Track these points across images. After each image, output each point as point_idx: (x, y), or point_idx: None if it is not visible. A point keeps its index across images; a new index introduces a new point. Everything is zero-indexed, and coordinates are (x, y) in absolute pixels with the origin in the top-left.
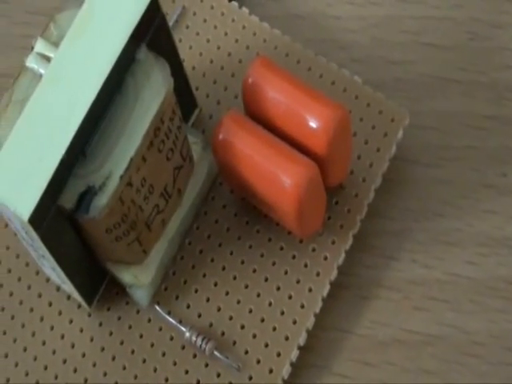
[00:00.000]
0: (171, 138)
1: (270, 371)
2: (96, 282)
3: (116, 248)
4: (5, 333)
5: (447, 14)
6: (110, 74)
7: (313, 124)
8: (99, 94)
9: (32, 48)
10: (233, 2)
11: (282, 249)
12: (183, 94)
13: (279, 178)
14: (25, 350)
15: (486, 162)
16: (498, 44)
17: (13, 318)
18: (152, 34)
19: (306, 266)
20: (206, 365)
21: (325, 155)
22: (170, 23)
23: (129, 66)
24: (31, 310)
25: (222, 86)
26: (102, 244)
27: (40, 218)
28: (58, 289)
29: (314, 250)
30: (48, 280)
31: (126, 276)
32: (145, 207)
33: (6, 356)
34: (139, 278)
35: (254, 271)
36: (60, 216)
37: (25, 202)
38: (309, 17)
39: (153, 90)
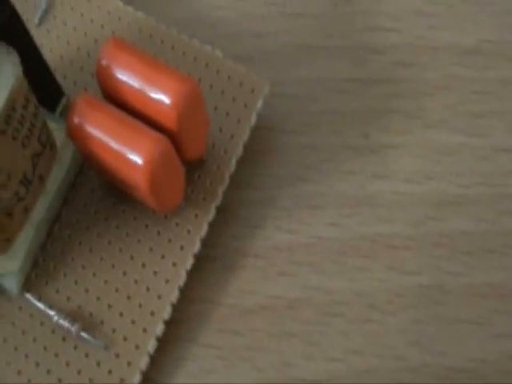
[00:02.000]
0: (26, 125)
1: (137, 347)
2: None
3: None
4: None
5: None
6: None
7: (162, 99)
8: None
9: None
10: None
11: (146, 226)
12: (46, 83)
13: (130, 155)
14: None
15: (347, 124)
16: (359, 8)
17: None
18: (1, 24)
19: (169, 241)
20: (75, 347)
21: (177, 129)
22: (39, 14)
23: None
24: None
25: (89, 73)
26: None
27: None
28: None
29: (177, 224)
30: None
31: None
32: (3, 195)
33: None
34: (6, 268)
35: (121, 250)
36: None
37: None
38: None
39: (1, 79)
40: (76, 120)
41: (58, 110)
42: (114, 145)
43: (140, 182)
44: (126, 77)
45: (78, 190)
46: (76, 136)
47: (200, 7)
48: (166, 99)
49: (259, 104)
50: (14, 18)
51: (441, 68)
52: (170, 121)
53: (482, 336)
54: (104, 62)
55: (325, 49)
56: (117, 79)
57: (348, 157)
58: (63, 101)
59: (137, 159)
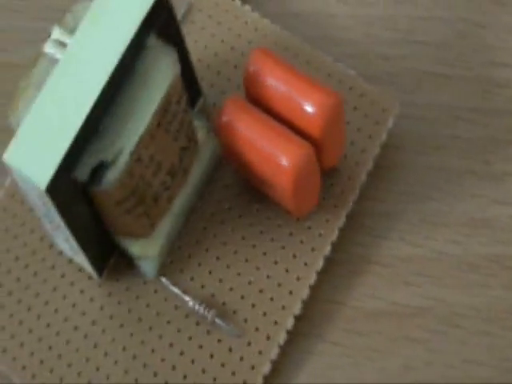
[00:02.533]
0: (178, 119)
1: (268, 338)
2: (106, 254)
3: (125, 221)
4: (19, 301)
5: (436, 13)
6: (121, 58)
7: (309, 109)
8: (111, 77)
9: (49, 35)
10: (236, 0)
11: (279, 226)
12: (189, 82)
13: (277, 157)
14: (38, 317)
15: (470, 150)
16: (482, 42)
17: (27, 288)
18: (161, 24)
19: (301, 242)
20: (208, 332)
21: (319, 138)
22: (178, 18)
23: (139, 52)
24: (44, 280)
25: (226, 77)
26: (112, 216)
27: (56, 188)
28: (70, 261)
29: (309, 227)
30: (61, 253)
31: (135, 248)
32: (153, 183)
33: (21, 323)
34: (146, 251)
35: (254, 246)
36: (74, 188)
37: (42, 172)
38: (307, 15)
39: (161, 74)
40: (225, 118)
41: (196, 108)
42: (261, 146)
43: (284, 184)
44: (274, 84)
45: (214, 186)
46: (223, 134)
47: (329, 26)
48: (312, 109)
49: (390, 122)
50: (172, 19)
51: None
52: (314, 129)
53: None
54: (252, 69)
55: (448, 77)
56: (264, 86)
57: (470, 181)
58: (201, 100)
59: (284, 162)
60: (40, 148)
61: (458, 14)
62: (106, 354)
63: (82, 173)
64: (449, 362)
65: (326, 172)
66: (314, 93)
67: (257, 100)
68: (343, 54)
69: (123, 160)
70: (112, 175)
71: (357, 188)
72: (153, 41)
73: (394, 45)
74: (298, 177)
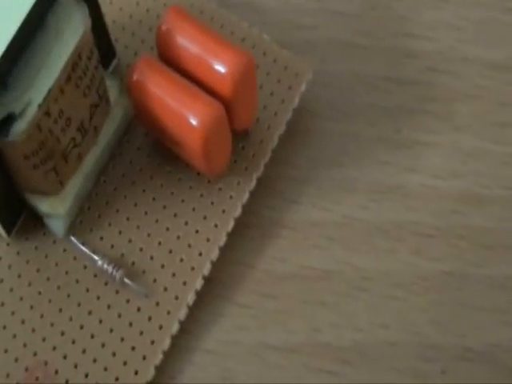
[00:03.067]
0: (88, 75)
1: (176, 298)
2: (15, 212)
3: (34, 176)
4: None
5: None
6: (30, 10)
7: (220, 68)
8: (20, 29)
9: None
10: None
11: (190, 188)
12: (102, 42)
13: (187, 116)
14: None
15: (381, 118)
16: (396, 14)
17: None
18: None
19: (212, 203)
20: (117, 291)
21: (231, 98)
22: None
23: (50, 5)
24: None
25: (140, 39)
26: (20, 171)
27: None
28: None
29: (220, 189)
30: None
31: (43, 206)
32: (62, 139)
33: None
34: (55, 209)
35: (164, 207)
36: None
37: None
38: None
39: (72, 28)
40: (136, 77)
41: (110, 69)
42: (171, 105)
43: (194, 143)
44: (186, 43)
45: (125, 147)
46: (134, 93)
47: None
48: (223, 68)
49: (303, 87)
50: None
51: (471, 78)
52: (225, 89)
53: (499, 323)
54: (165, 27)
55: (362, 47)
56: (176, 45)
57: (381, 148)
58: (115, 61)
59: (194, 121)
60: None
61: None
62: (12, 313)
63: None
64: (356, 325)
65: (238, 135)
66: (225, 52)
67: (169, 60)
68: (260, 22)
69: (31, 112)
70: (19, 127)
71: (268, 151)
72: None
73: (310, 14)
74: (207, 136)
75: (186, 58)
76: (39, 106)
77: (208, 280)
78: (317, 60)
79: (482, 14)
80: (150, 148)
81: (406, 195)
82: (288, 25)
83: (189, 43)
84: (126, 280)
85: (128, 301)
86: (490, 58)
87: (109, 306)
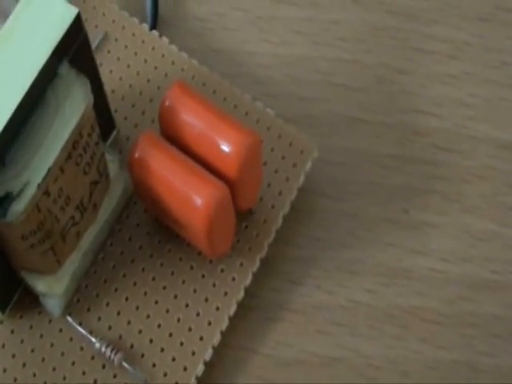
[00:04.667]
0: (89, 152)
1: None
2: (10, 290)
3: (31, 256)
4: None
5: (357, 57)
6: (31, 86)
7: (225, 148)
8: (20, 105)
9: None
10: (153, 31)
11: (192, 268)
12: (102, 114)
13: (191, 197)
14: None
15: (388, 198)
16: (403, 88)
17: None
18: (74, 52)
19: (214, 285)
20: (115, 375)
21: (235, 178)
22: (92, 47)
23: (50, 81)
24: None
25: (140, 110)
26: (17, 251)
27: None
28: None
29: (222, 270)
30: None
31: (40, 285)
32: (61, 218)
33: None
34: (52, 288)
35: (164, 288)
36: None
37: None
38: (226, 51)
39: (73, 104)
40: (138, 155)
41: (108, 141)
42: (174, 184)
43: (198, 224)
44: (190, 120)
45: (125, 223)
46: (135, 170)
47: (249, 65)
48: (229, 147)
49: (308, 166)
50: (86, 47)
51: (479, 158)
52: (230, 169)
53: None
54: (168, 103)
55: (368, 123)
56: (180, 122)
57: (388, 229)
58: (114, 133)
59: (198, 202)
60: None
61: (379, 58)
62: None
63: None
64: None
65: (242, 214)
66: (231, 131)
67: (172, 136)
68: (262, 94)
69: (30, 192)
70: (18, 207)
71: (272, 231)
72: (65, 69)
73: (314, 87)
74: (211, 218)
75: (189, 136)
76: (38, 185)
77: (209, 365)
78: (321, 136)
79: (492, 92)
80: (149, 225)
81: (413, 279)
82: (292, 98)
83: (193, 120)
84: (125, 364)
85: None
86: (498, 137)
87: None
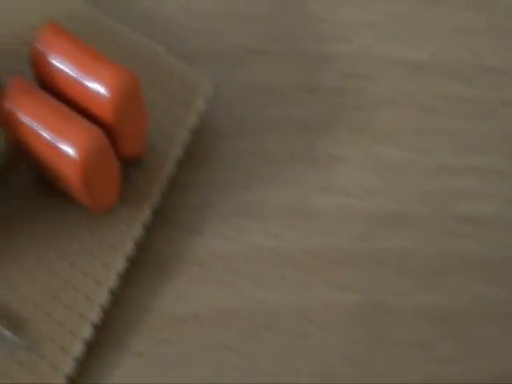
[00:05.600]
0: None
1: (63, 349)
2: None
3: None
4: None
5: None
6: None
7: (99, 89)
8: None
9: None
10: None
11: (77, 224)
12: None
13: (63, 146)
14: None
15: (293, 133)
16: (308, 15)
17: None
18: None
19: (101, 240)
20: None
21: (113, 122)
22: None
23: None
24: None
25: (23, 60)
26: None
27: None
28: None
29: (111, 224)
30: None
31: None
32: None
33: None
34: None
35: (48, 247)
36: None
37: None
38: None
39: None
40: (8, 106)
41: None
42: (46, 135)
43: (72, 176)
44: (63, 64)
45: (7, 182)
46: (7, 123)
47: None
48: (103, 90)
49: (201, 104)
50: None
51: (389, 82)
52: (106, 113)
53: (424, 360)
54: (40, 47)
55: (269, 54)
56: (52, 66)
57: (291, 166)
58: None
59: (70, 151)
60: None
61: None
62: None
63: None
64: (261, 368)
65: (128, 162)
66: (104, 72)
67: (45, 83)
68: (157, 31)
69: None
70: None
71: (164, 179)
72: None
73: (211, 19)
74: (87, 167)
75: (63, 81)
76: None
77: (99, 328)
78: (218, 71)
79: (403, 8)
80: (33, 182)
81: (317, 218)
82: (185, 32)
83: (65, 64)
84: (5, 332)
85: (10, 354)
86: (411, 58)
87: None
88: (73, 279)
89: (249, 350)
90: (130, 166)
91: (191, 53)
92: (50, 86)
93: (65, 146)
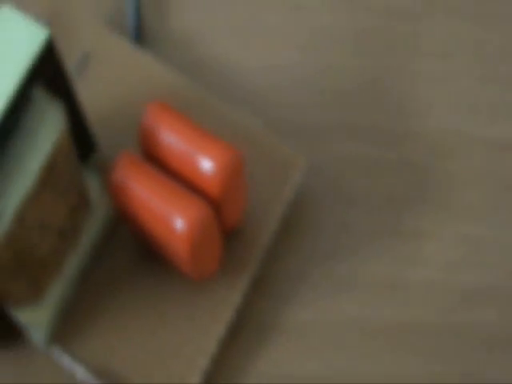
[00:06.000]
0: (65, 177)
1: None
2: None
3: (11, 286)
4: None
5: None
6: (3, 112)
7: (206, 166)
8: None
9: None
10: (136, 49)
11: (180, 291)
12: (81, 136)
13: (171, 219)
14: None
15: (381, 207)
16: (392, 90)
17: None
18: (48, 76)
19: (203, 308)
20: None
21: (219, 196)
22: (73, 67)
23: (23, 106)
24: None
25: (124, 131)
26: None
27: None
28: None
29: (211, 291)
30: None
31: (23, 315)
32: (39, 245)
33: None
34: (36, 318)
35: (152, 312)
36: None
37: None
38: (209, 63)
39: (46, 131)
40: (118, 177)
41: (90, 164)
42: (155, 207)
43: (180, 247)
44: (171, 140)
45: (110, 247)
46: (116, 193)
47: (234, 74)
48: (210, 166)
49: (297, 178)
50: (60, 70)
51: (474, 160)
52: (212, 188)
53: None
54: (148, 123)
55: (357, 128)
56: (160, 141)
57: (381, 240)
58: (95, 156)
59: (179, 224)
60: None
61: (365, 61)
62: None
63: None
64: None
65: (229, 233)
66: (211, 149)
67: (153, 156)
68: (248, 104)
69: (5, 222)
70: None
71: (261, 250)
72: (38, 93)
73: (299, 94)
74: (194, 240)
75: (170, 155)
76: (13, 214)
77: None
78: (311, 144)
79: (490, 91)
80: (135, 248)
81: (405, 290)
82: (279, 107)
83: (172, 139)
84: None
85: None
86: (497, 138)
87: None
88: (175, 343)
89: None
90: (230, 236)
91: (285, 127)
92: (156, 159)
93: (173, 218)
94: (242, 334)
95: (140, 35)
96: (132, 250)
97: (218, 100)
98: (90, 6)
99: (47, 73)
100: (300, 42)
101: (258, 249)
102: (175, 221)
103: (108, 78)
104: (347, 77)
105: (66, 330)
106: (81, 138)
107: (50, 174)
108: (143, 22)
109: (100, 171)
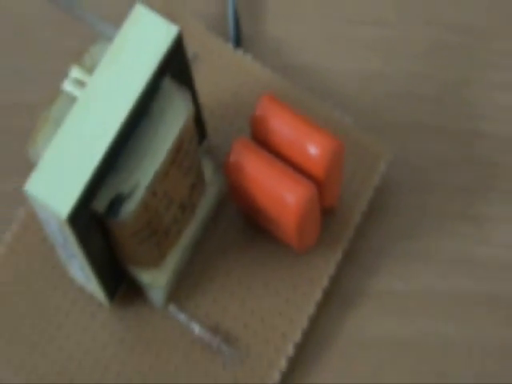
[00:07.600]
0: (189, 157)
1: (269, 364)
2: (116, 282)
3: (138, 251)
4: (33, 326)
5: (426, 70)
6: (137, 98)
7: (313, 151)
8: (128, 116)
9: (67, 75)
10: (238, 51)
11: (280, 259)
12: (197, 124)
13: (283, 195)
14: (50, 341)
15: (455, 195)
16: (469, 97)
17: (41, 313)
18: (175, 67)
19: (301, 274)
20: (213, 358)
21: (322, 178)
22: None
23: (154, 93)
24: (57, 307)
25: (228, 122)
26: (126, 247)
27: (76, 219)
28: (81, 290)
29: (308, 261)
30: (72, 280)
31: (145, 277)
32: (165, 216)
33: (34, 346)
34: (156, 280)
35: (256, 277)
36: (92, 218)
37: (63, 203)
38: (305, 67)
39: (176, 114)
40: (233, 158)
41: (201, 149)
42: (268, 185)
43: (289, 221)
44: (280, 127)
45: (219, 221)
46: (232, 173)
47: (327, 78)
48: (317, 151)
49: (382, 167)
50: (185, 62)
51: None
52: (317, 170)
53: None
54: (259, 113)
55: (437, 128)
56: (271, 128)
57: (455, 221)
58: (206, 142)
59: (290, 200)
60: (61, 180)
61: (445, 71)
62: (118, 375)
63: (101, 204)
64: None
65: (326, 212)
66: (318, 136)
67: (263, 142)
68: (339, 105)
69: (139, 193)
70: (129, 207)
71: (352, 228)
72: (167, 82)
73: (386, 98)
74: (302, 214)
75: (279, 141)
76: (147, 187)
77: (299, 346)
78: (396, 140)
79: None
80: (240, 222)
81: (477, 265)
82: (366, 109)
83: (282, 127)
84: (224, 346)
85: (224, 367)
86: None
87: (206, 372)
88: (277, 305)
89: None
90: (326, 215)
91: (375, 124)
92: (266, 144)
93: (285, 195)
94: (335, 298)
95: (240, 40)
96: (239, 223)
97: (312, 98)
98: (196, 12)
99: (175, 65)
100: (382, 52)
101: (350, 227)
102: (287, 197)
103: (213, 75)
104: (426, 83)
105: (181, 291)
106: (197, 125)
107: (177, 153)
108: (243, 28)
109: (209, 156)
